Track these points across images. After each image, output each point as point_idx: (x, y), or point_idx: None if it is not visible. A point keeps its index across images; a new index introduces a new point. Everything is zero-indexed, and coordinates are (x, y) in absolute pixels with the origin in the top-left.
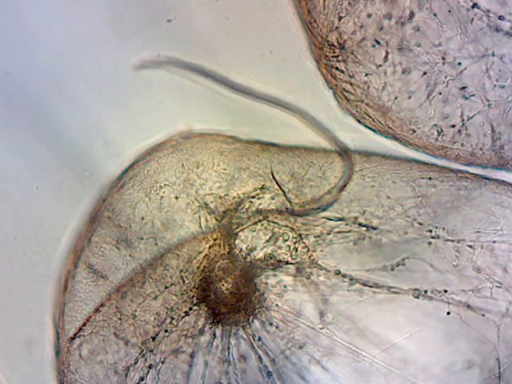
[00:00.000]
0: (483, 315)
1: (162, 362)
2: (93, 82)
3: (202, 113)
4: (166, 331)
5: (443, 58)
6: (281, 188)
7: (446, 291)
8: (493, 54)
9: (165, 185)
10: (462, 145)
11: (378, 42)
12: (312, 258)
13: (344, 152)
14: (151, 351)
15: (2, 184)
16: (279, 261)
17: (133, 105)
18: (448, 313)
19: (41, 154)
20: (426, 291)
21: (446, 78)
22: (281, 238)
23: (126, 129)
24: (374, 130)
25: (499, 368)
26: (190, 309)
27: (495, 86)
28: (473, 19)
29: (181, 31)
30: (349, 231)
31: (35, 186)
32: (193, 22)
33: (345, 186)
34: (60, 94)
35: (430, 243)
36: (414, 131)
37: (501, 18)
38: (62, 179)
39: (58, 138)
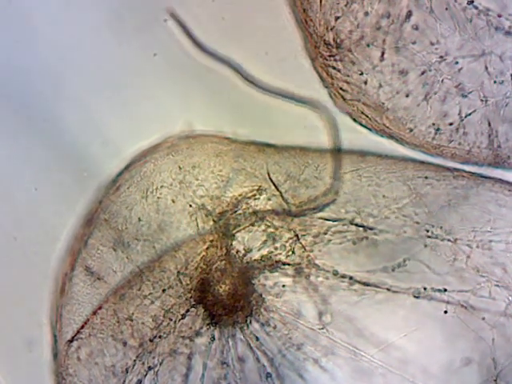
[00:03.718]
0: (483, 318)
1: (160, 364)
2: (92, 81)
3: (201, 113)
4: (164, 333)
5: (441, 57)
6: (277, 189)
7: (445, 290)
8: (491, 53)
9: (161, 186)
10: (460, 144)
11: (375, 42)
12: (309, 258)
13: (336, 150)
14: (149, 353)
15: (2, 185)
16: (277, 261)
17: (132, 105)
18: (445, 312)
19: (40, 154)
20: (425, 288)
21: (443, 76)
22: (278, 239)
23: (125, 129)
24: (370, 129)
25: (495, 368)
26: (188, 311)
27: (495, 82)
28: (472, 18)
29: (178, 31)
30: (346, 231)
31: (34, 186)
32: (190, 22)
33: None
34: (59, 95)
35: (427, 243)
36: (411, 130)
37: (500, 16)
38: (61, 180)
39: (58, 138)
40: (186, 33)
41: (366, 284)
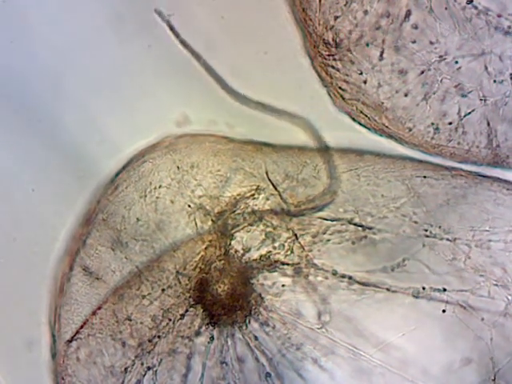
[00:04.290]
0: (482, 319)
1: (159, 364)
2: (90, 81)
3: (200, 112)
4: (163, 333)
5: (441, 56)
6: (276, 188)
7: (444, 289)
8: (491, 52)
9: (160, 186)
10: (459, 143)
11: (374, 41)
12: (308, 257)
13: (324, 149)
14: (148, 353)
15: (1, 185)
16: (275, 261)
17: (130, 104)
18: (443, 311)
19: (39, 154)
20: (424, 288)
21: (443, 75)
22: (276, 239)
23: (123, 128)
24: (369, 129)
25: (493, 368)
26: (187, 310)
27: (494, 81)
28: (471, 17)
29: (177, 29)
30: (345, 231)
31: (32, 187)
32: (189, 21)
33: (333, 185)
34: (58, 94)
35: (426, 242)
36: (411, 129)
37: (500, 16)
38: (60, 179)
39: (56, 138)
40: (171, 30)
41: (366, 284)
